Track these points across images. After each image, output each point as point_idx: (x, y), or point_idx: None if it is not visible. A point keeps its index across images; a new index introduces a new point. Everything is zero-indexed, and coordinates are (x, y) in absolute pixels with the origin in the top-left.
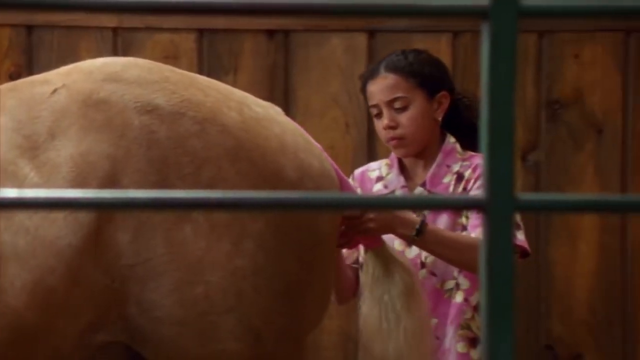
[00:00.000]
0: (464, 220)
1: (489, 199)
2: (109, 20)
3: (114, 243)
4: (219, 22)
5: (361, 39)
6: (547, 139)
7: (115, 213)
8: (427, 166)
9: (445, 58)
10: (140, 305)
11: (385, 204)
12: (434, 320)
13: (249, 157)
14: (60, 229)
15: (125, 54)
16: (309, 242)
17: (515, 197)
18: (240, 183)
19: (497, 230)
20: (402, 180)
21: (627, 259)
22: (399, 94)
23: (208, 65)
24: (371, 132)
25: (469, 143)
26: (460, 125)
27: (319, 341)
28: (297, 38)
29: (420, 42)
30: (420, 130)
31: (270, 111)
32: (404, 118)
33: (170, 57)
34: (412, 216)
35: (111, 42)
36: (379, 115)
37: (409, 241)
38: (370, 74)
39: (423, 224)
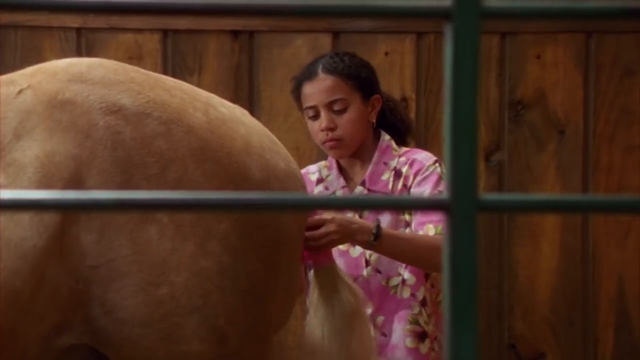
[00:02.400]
0: (406, 217)
1: (452, 200)
2: (72, 21)
3: (79, 244)
4: (183, 22)
5: (325, 40)
6: (510, 139)
7: (80, 214)
8: (364, 165)
9: (410, 59)
10: (104, 306)
11: (350, 205)
12: (381, 318)
13: (214, 158)
14: (25, 231)
15: (89, 54)
16: (275, 243)
17: (478, 197)
18: (205, 184)
19: (460, 230)
20: (342, 181)
21: (588, 258)
22: (339, 96)
23: (172, 66)
24: None
25: (402, 140)
26: (386, 127)
27: (285, 341)
28: (262, 39)
29: (385, 43)
30: (357, 132)
31: (236, 112)
32: (342, 120)
33: (134, 58)
34: (368, 222)
35: (75, 42)
36: (315, 117)
37: (367, 247)
38: (307, 76)
39: (379, 228)
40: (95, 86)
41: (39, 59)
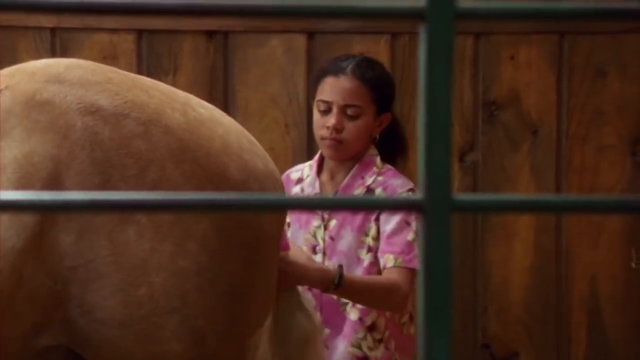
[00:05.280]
0: (370, 241)
1: (426, 200)
2: (47, 21)
3: (57, 245)
4: (158, 22)
5: (300, 40)
6: (484, 139)
7: (58, 215)
8: (346, 174)
9: (384, 59)
10: (83, 307)
11: (325, 205)
12: (327, 331)
13: (193, 158)
14: (4, 231)
15: (63, 54)
16: (253, 243)
17: (452, 197)
18: (184, 184)
19: (435, 231)
20: (317, 187)
21: (562, 258)
22: (357, 103)
23: (147, 66)
24: (311, 133)
25: (390, 158)
26: (381, 141)
27: (259, 341)
28: (237, 39)
29: (360, 44)
30: (359, 141)
31: (214, 112)
32: (351, 125)
33: (109, 58)
34: (328, 270)
35: (49, 42)
36: (325, 112)
37: (325, 291)
38: (334, 70)
39: (341, 277)
40: (73, 87)
41: (14, 59)
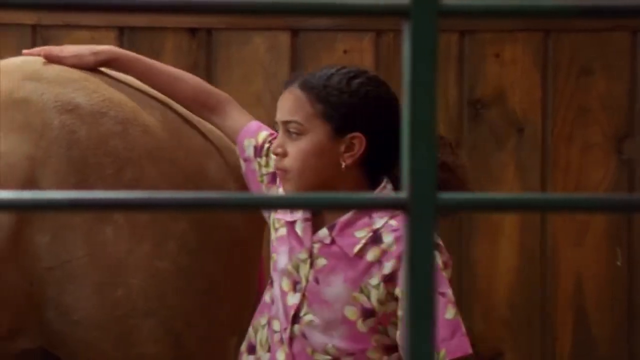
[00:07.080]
0: (372, 303)
1: (411, 199)
2: (28, 18)
3: (33, 245)
4: (140, 19)
5: (284, 38)
6: (469, 138)
7: (34, 215)
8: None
9: (368, 57)
10: (59, 308)
11: (295, 203)
12: None
13: (171, 158)
14: None
15: None
16: (231, 244)
17: (437, 197)
18: (162, 183)
19: (419, 230)
20: (298, 215)
21: (547, 258)
22: (295, 118)
23: None
24: None
25: None
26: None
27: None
28: (220, 36)
29: (343, 41)
30: (309, 169)
31: None
32: (293, 148)
33: None
34: None
35: (30, 39)
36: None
37: None
38: (286, 83)
39: None
40: (50, 84)
41: None
